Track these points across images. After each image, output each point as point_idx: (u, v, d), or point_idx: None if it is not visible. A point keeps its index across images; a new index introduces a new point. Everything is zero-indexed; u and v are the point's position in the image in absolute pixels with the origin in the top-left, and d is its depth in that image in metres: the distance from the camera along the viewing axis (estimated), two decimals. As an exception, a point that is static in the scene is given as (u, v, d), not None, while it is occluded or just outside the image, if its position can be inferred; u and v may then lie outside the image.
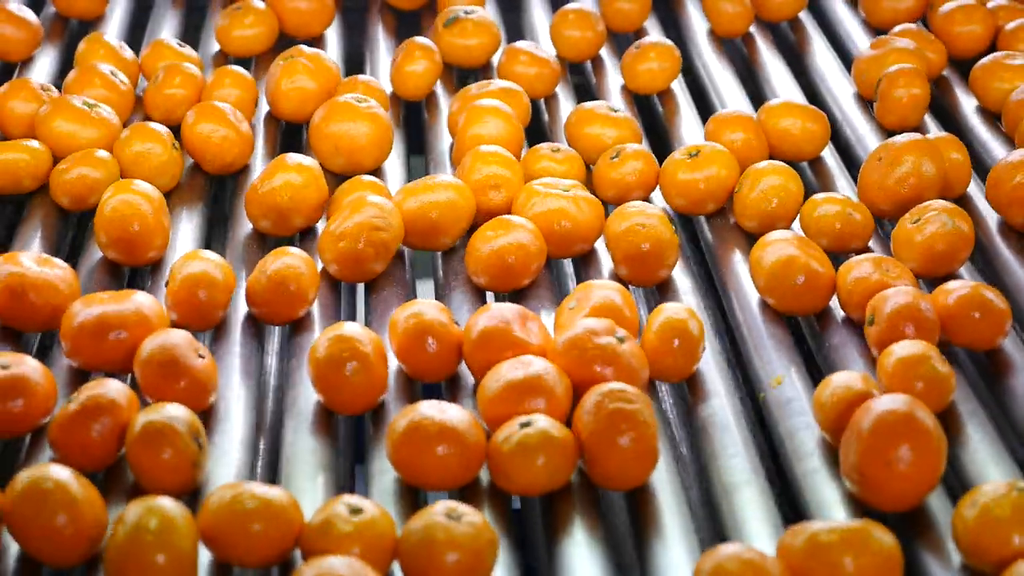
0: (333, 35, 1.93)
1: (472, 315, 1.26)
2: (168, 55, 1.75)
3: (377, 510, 1.05)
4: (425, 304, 1.26)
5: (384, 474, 1.15)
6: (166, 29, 1.94)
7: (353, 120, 1.57)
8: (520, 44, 1.77)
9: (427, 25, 1.96)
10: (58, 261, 1.34)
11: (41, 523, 1.03)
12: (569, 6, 1.87)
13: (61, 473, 1.05)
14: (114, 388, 1.16)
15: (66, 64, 1.86)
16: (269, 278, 1.32)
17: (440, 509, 1.04)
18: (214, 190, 1.61)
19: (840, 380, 1.16)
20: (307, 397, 1.24)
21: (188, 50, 1.77)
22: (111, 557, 1.00)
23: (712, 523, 1.15)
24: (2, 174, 1.53)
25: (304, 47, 1.70)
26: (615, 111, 1.62)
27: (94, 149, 1.52)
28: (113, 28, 1.94)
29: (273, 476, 1.21)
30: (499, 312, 1.24)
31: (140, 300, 1.26)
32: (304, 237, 1.49)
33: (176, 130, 1.62)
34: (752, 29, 1.92)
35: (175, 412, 1.12)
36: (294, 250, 1.35)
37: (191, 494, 1.13)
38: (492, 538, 1.03)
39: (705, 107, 1.78)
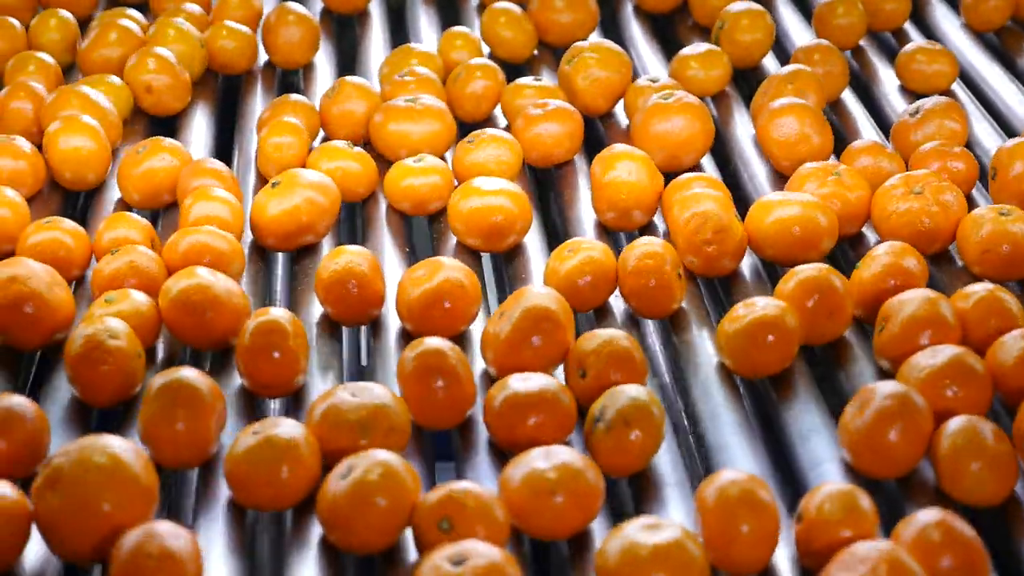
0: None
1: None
2: (464, 47, 1.82)
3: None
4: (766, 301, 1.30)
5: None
6: (425, 27, 1.99)
7: (683, 116, 1.61)
8: (813, 42, 1.81)
9: (680, 25, 2.00)
10: None
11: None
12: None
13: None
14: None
15: (342, 64, 1.93)
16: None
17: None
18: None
19: None
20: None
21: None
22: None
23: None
24: (337, 182, 1.56)
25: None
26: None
27: (424, 156, 1.58)
28: (376, 25, 1.99)
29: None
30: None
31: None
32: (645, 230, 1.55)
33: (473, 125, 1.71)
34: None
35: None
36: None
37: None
38: None
39: (989, 106, 1.82)
